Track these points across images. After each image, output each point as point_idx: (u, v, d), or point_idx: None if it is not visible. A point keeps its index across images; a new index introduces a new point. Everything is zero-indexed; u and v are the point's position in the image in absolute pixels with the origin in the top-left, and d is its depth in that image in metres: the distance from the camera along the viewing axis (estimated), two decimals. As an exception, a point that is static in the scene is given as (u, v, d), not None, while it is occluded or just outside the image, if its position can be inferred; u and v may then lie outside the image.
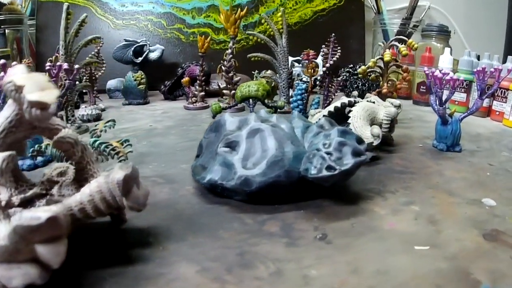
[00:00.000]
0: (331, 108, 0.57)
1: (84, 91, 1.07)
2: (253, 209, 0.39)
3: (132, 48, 1.08)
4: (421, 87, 1.01)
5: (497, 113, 0.84)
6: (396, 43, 0.74)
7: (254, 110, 0.69)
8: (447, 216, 0.39)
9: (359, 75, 0.73)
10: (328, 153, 0.38)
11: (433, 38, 1.12)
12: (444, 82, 0.57)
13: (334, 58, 0.73)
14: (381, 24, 1.29)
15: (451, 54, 0.96)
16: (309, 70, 0.66)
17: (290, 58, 1.12)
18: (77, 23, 0.74)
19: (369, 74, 0.76)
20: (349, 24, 1.34)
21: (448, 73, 0.58)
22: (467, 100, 0.93)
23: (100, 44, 0.98)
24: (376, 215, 0.39)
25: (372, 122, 0.55)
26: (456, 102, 0.93)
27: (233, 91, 0.83)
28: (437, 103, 0.58)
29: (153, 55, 1.08)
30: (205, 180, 0.40)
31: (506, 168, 0.54)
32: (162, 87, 1.05)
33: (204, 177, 0.41)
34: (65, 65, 0.60)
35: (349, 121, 0.53)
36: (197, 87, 0.89)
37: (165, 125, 0.76)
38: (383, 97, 0.68)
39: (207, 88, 0.92)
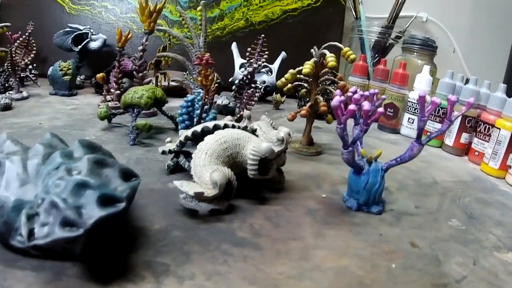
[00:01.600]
0: (189, 132, 0.48)
1: (22, 75, 1.02)
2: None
3: (72, 36, 1.02)
4: (388, 109, 0.88)
5: (476, 153, 0.70)
6: (325, 51, 0.61)
7: (136, 120, 0.61)
8: None
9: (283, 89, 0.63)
10: (63, 200, 0.29)
11: (415, 53, 1.00)
12: (360, 109, 0.39)
13: (259, 62, 0.64)
14: (358, 31, 1.17)
15: (451, 78, 0.79)
16: (201, 78, 0.57)
17: (240, 60, 1.04)
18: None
19: (298, 88, 0.66)
20: (324, 28, 1.22)
21: (366, 95, 0.44)
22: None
23: (31, 28, 0.92)
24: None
25: (231, 161, 0.42)
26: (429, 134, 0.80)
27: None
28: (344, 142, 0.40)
29: (94, 45, 1.02)
30: None
31: (436, 255, 0.36)
32: (93, 79, 0.98)
33: None
34: None
35: (193, 155, 0.42)
36: (113, 84, 0.82)
37: (55, 125, 0.70)
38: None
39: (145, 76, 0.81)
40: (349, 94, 0.44)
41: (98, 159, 0.33)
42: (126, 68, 0.95)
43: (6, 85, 0.95)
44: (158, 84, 0.91)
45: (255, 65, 0.64)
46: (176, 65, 1.00)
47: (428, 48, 0.97)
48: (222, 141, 0.40)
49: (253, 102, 0.65)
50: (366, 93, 0.44)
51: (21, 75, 1.03)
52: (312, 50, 0.61)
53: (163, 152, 0.49)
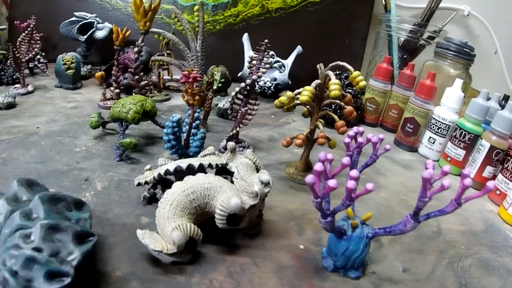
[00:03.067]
0: (170, 166, 0.46)
1: (30, 65, 1.02)
2: None
3: (78, 25, 1.00)
4: (408, 124, 0.78)
5: (498, 192, 0.60)
6: (330, 74, 0.51)
7: (123, 135, 0.59)
8: None
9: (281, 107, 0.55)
10: (13, 274, 0.29)
11: (448, 60, 0.85)
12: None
13: (259, 73, 0.60)
14: (387, 26, 1.05)
15: (485, 99, 0.67)
16: (187, 98, 0.54)
17: (251, 54, 0.99)
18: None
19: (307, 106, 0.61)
20: (348, 19, 1.13)
21: (363, 142, 0.40)
22: (464, 159, 0.69)
23: (33, 22, 0.91)
24: None
25: (199, 211, 0.39)
26: (449, 159, 0.70)
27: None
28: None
29: (100, 34, 1.00)
30: None
31: None
32: (98, 71, 0.97)
33: None
34: None
35: (159, 204, 0.39)
36: (113, 82, 0.80)
37: (51, 130, 0.70)
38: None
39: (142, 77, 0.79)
40: (346, 140, 0.40)
41: (52, 225, 0.32)
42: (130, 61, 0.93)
43: (14, 77, 0.95)
44: (160, 79, 0.89)
45: (254, 77, 0.60)
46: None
47: (465, 56, 0.83)
48: (190, 192, 0.38)
49: (247, 121, 0.62)
50: (367, 137, 0.40)
51: (30, 65, 1.03)
52: (318, 66, 0.56)
53: (139, 184, 0.47)
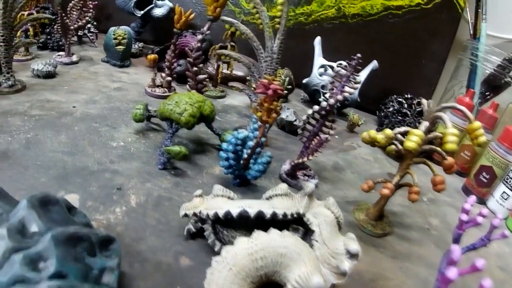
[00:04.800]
0: (219, 211, 0.34)
1: (79, 33, 0.94)
2: None
3: (135, -1, 0.91)
4: (483, 173, 0.64)
5: None
6: (444, 117, 0.40)
7: (171, 139, 0.49)
8: None
9: (377, 142, 0.42)
10: None
11: None
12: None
13: (347, 93, 0.48)
14: (472, 54, 0.92)
15: None
16: (261, 113, 0.43)
17: (321, 61, 0.87)
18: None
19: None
20: (429, 37, 0.99)
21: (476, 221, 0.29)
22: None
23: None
24: None
25: (263, 280, 0.29)
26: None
27: (193, 91, 0.63)
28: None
29: (157, 12, 0.91)
30: None
31: None
32: (150, 52, 0.87)
33: None
34: None
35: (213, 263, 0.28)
36: (165, 68, 0.70)
37: (88, 112, 0.61)
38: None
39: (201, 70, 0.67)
40: (463, 217, 0.29)
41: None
42: (186, 46, 0.82)
43: (60, 43, 0.86)
44: (219, 72, 0.78)
45: (339, 97, 0.48)
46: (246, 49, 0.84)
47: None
48: (259, 257, 0.27)
49: (321, 150, 0.50)
50: (481, 213, 0.28)
51: (79, 33, 0.94)
52: (423, 102, 0.43)
53: (186, 216, 0.36)
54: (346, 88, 0.49)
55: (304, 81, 0.88)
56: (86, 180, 0.44)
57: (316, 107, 0.50)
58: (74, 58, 0.82)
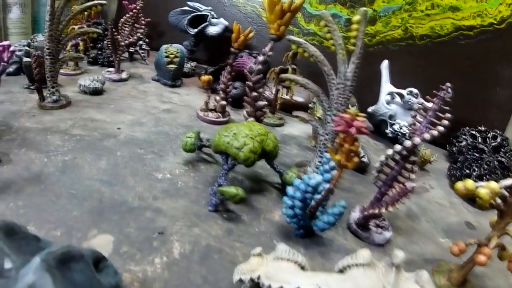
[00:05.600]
0: (285, 285, 0.26)
1: (131, 51, 0.90)
2: None
3: (189, 16, 0.86)
4: None
5: None
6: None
7: (226, 176, 0.42)
8: None
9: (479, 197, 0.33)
10: None
11: None
12: None
13: (436, 132, 0.40)
14: None
15: None
16: (340, 157, 0.35)
17: (389, 87, 0.78)
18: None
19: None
20: (504, 60, 0.89)
21: None
22: None
23: (140, 4, 0.78)
24: None
25: None
26: None
27: (250, 119, 0.56)
28: None
29: (212, 30, 0.86)
30: None
31: None
32: (203, 72, 0.82)
33: None
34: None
35: None
36: (220, 90, 0.64)
37: (133, 136, 0.55)
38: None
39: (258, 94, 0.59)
40: None
41: None
42: (243, 67, 0.76)
43: (111, 59, 0.83)
44: (278, 98, 0.71)
45: (426, 136, 0.39)
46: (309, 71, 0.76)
47: None
48: None
49: (403, 201, 0.41)
50: None
51: (130, 50, 0.91)
52: None
53: (241, 281, 0.28)
54: (438, 128, 0.40)
55: (370, 110, 0.79)
56: (123, 219, 0.37)
57: (397, 147, 0.41)
58: (124, 75, 0.78)
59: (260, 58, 0.55)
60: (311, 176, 0.34)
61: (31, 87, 0.64)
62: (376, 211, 0.41)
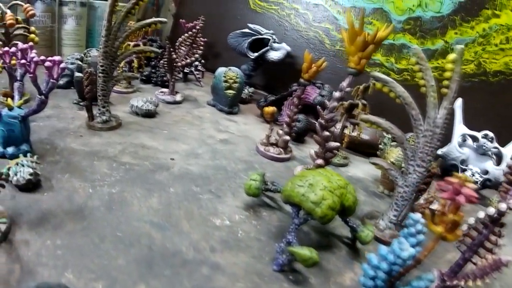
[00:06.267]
0: None
1: (185, 71, 0.87)
2: None
3: (250, 40, 0.82)
4: None
5: None
6: None
7: (298, 227, 0.36)
8: None
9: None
10: None
11: None
12: None
13: None
14: None
15: None
16: (441, 229, 0.28)
17: (462, 129, 0.71)
18: (131, 1, 0.51)
19: None
20: None
21: None
22: None
23: (200, 24, 0.74)
24: None
25: None
26: None
27: (319, 161, 0.50)
28: None
29: (273, 55, 0.81)
30: None
31: None
32: (262, 100, 0.77)
33: None
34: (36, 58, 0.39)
35: None
36: (284, 124, 0.58)
37: (188, 169, 0.50)
38: None
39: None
40: None
41: None
42: (307, 99, 0.70)
43: (165, 78, 0.80)
44: (345, 134, 0.65)
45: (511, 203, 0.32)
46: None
47: None
48: None
49: (495, 276, 0.33)
50: None
51: (185, 71, 0.87)
52: None
53: None
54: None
55: (440, 152, 0.72)
56: (176, 274, 0.32)
57: (491, 210, 0.34)
58: (178, 97, 0.74)
59: (337, 94, 0.49)
60: (402, 246, 0.27)
61: (81, 103, 0.61)
62: (462, 283, 0.34)
